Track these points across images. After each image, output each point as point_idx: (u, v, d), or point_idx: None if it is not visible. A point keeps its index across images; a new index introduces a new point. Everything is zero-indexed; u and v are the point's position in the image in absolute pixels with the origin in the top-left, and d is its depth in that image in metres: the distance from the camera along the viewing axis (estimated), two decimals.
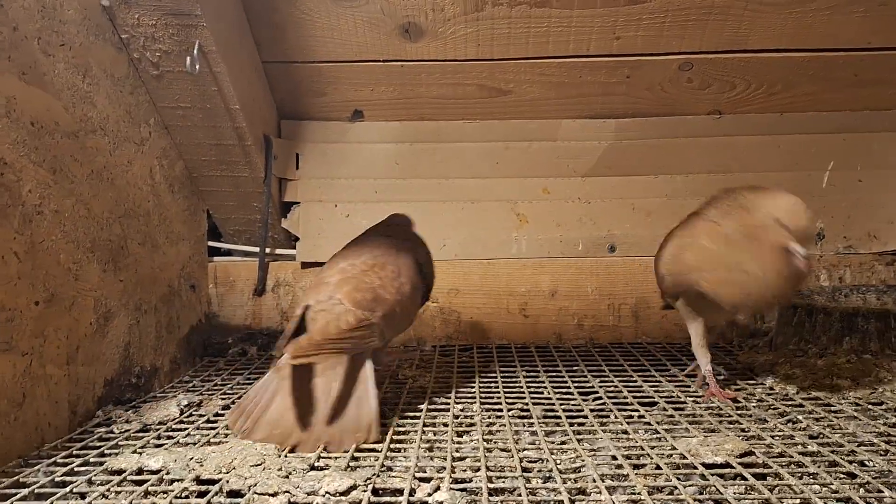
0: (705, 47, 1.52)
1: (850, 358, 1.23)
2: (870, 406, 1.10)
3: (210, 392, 1.28)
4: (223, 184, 1.55)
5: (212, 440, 0.99)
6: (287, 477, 0.81)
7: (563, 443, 0.98)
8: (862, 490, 0.79)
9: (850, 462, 0.86)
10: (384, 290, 1.10)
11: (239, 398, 1.21)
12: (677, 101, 1.65)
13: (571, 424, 1.06)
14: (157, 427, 1.06)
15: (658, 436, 0.99)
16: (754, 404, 1.14)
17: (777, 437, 0.96)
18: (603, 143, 1.71)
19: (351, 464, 0.89)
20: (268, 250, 1.67)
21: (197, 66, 1.24)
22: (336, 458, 0.91)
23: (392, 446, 0.97)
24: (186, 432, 1.03)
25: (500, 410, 1.13)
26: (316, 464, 0.88)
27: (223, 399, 1.21)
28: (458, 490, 0.79)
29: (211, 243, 1.69)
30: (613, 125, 1.70)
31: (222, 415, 1.13)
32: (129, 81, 1.28)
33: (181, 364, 1.46)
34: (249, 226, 1.65)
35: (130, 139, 1.29)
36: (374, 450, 0.94)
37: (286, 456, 0.90)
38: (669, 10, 1.45)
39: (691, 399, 1.18)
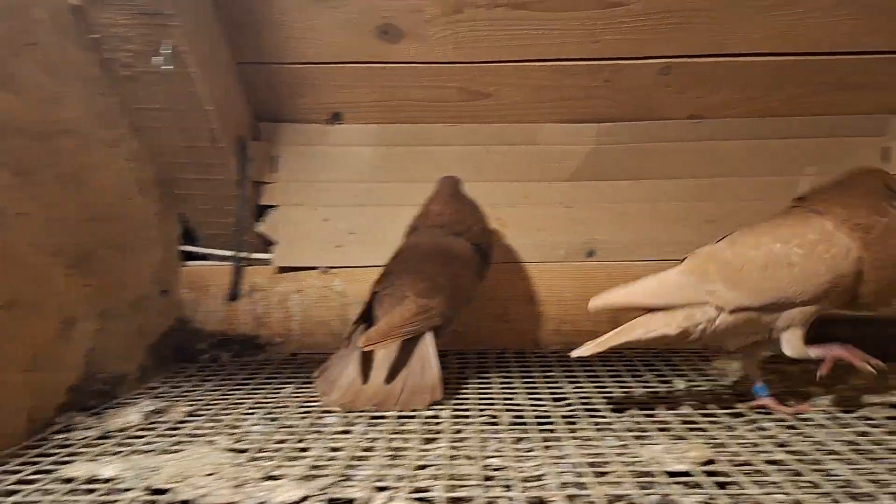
0: (685, 51, 1.51)
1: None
2: (840, 414, 1.09)
3: (177, 399, 1.26)
4: (197, 187, 1.53)
5: (170, 448, 0.97)
6: (240, 487, 0.80)
7: (529, 450, 0.96)
8: (823, 500, 0.77)
9: (815, 471, 0.85)
10: (441, 277, 1.31)
11: (206, 405, 1.20)
12: (658, 105, 1.63)
13: (540, 431, 1.05)
14: (117, 434, 1.04)
15: (625, 443, 0.98)
16: (724, 411, 1.12)
17: (743, 445, 0.95)
18: (584, 147, 1.69)
19: (311, 472, 0.87)
20: (243, 255, 1.65)
21: (168, 67, 1.23)
22: (294, 466, 0.89)
23: (357, 454, 0.95)
24: (146, 440, 1.01)
25: (469, 417, 1.11)
26: (273, 473, 0.86)
27: (188, 406, 1.19)
28: (415, 499, 0.78)
29: (185, 248, 1.67)
30: (594, 129, 1.69)
31: (187, 421, 1.12)
32: (101, 82, 1.27)
33: (151, 370, 1.44)
34: (225, 230, 1.64)
35: (101, 141, 1.27)
36: (335, 458, 0.93)
37: (244, 464, 0.88)
38: (650, 14, 1.43)
39: (661, 405, 1.16)
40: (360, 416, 1.12)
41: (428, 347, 1.24)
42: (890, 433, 1.00)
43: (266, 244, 1.67)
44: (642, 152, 1.69)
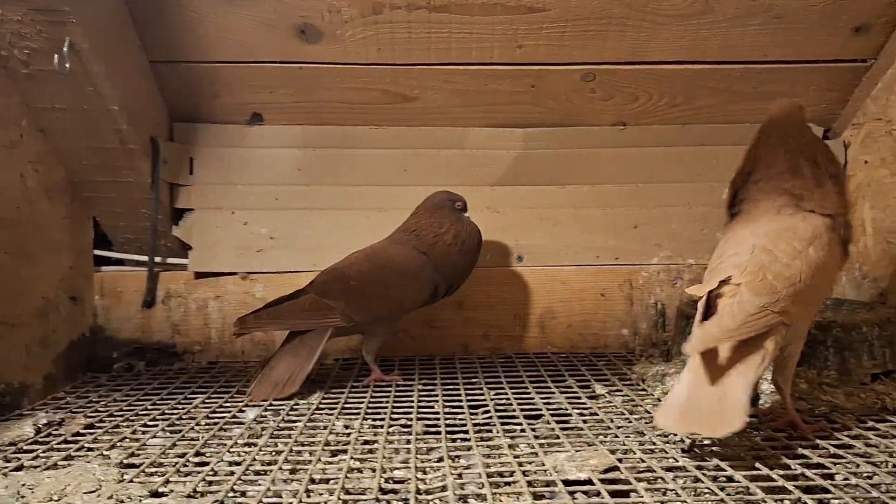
0: (606, 58, 1.51)
1: None
2: (750, 417, 1.09)
3: (79, 410, 1.21)
4: (108, 190, 1.48)
5: (58, 463, 0.92)
6: None
7: (438, 460, 0.94)
8: None
9: (715, 478, 0.85)
10: (359, 280, 1.38)
11: (109, 416, 1.15)
12: (582, 112, 1.64)
13: (453, 440, 1.03)
14: (6, 448, 0.99)
15: (533, 451, 0.97)
16: (637, 416, 1.12)
17: (649, 452, 0.95)
18: (511, 152, 1.69)
19: (201, 489, 0.84)
20: (159, 260, 1.60)
21: (67, 65, 1.18)
22: (183, 482, 0.85)
23: (256, 468, 0.92)
24: (35, 454, 0.97)
25: (382, 427, 1.09)
26: (159, 489, 0.82)
27: (88, 418, 1.15)
28: None
29: (100, 252, 1.61)
30: (521, 134, 1.68)
31: (83, 434, 1.07)
32: None
33: (58, 381, 1.38)
34: (140, 234, 1.58)
35: None
36: (233, 472, 0.89)
37: (129, 481, 0.84)
38: (569, 20, 1.43)
39: (577, 411, 1.15)
40: (268, 427, 1.09)
41: (312, 346, 1.31)
42: (791, 437, 1.01)
43: (184, 249, 1.62)
44: (568, 158, 1.69)
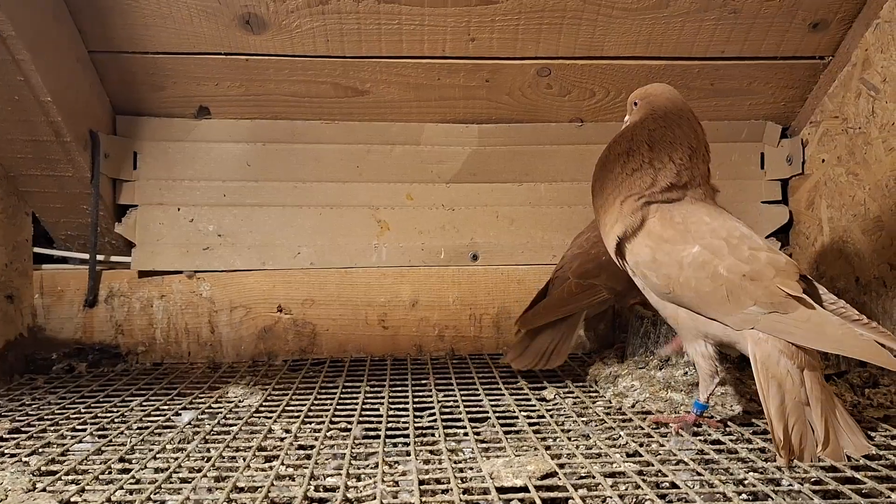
0: (562, 53, 1.48)
1: (688, 370, 1.20)
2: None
3: (9, 413, 1.16)
4: (46, 184, 1.43)
5: None
6: None
7: (374, 466, 0.91)
8: None
9: (657, 484, 0.82)
10: None
11: (37, 420, 1.10)
12: (539, 108, 1.61)
13: (394, 445, 1.00)
14: None
15: (473, 456, 0.93)
16: (585, 420, 1.09)
17: (591, 456, 0.92)
18: (467, 148, 1.65)
19: (115, 497, 0.79)
20: (102, 258, 1.55)
21: None
22: (100, 491, 0.81)
23: (182, 475, 0.87)
24: None
25: (321, 431, 1.05)
26: (71, 499, 0.78)
27: (15, 422, 1.09)
28: None
29: (40, 250, 1.55)
30: (476, 130, 1.65)
31: (5, 440, 1.02)
32: None
33: None
34: (83, 230, 1.53)
35: None
36: (155, 480, 0.85)
37: (41, 490, 0.80)
38: (522, 13, 1.40)
39: (524, 414, 1.12)
40: (200, 432, 1.05)
41: (571, 323, 1.39)
42: (738, 440, 0.99)
43: (128, 246, 1.57)
44: (525, 155, 1.66)
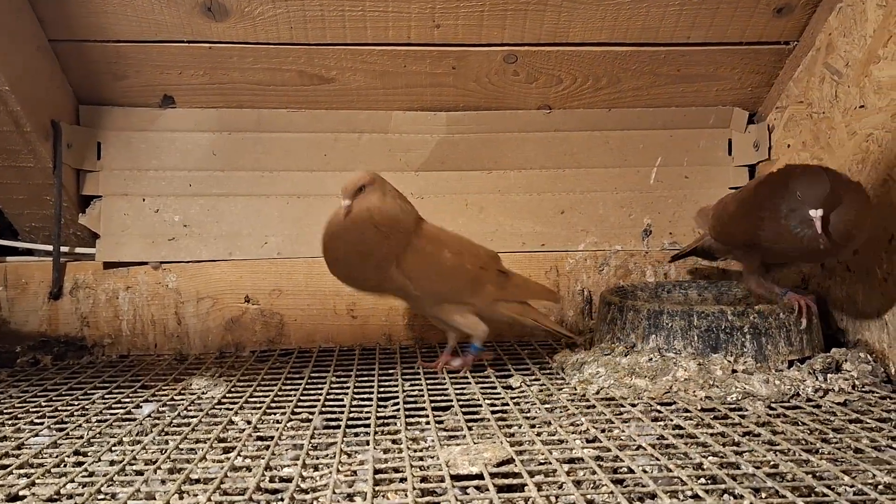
0: (528, 39, 1.47)
1: (653, 356, 1.21)
2: (658, 407, 1.07)
3: None
4: (7, 175, 1.41)
5: None
6: None
7: (332, 456, 0.90)
8: (605, 498, 0.74)
9: (613, 470, 0.82)
10: None
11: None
12: (506, 95, 1.60)
13: (355, 434, 1.00)
14: None
15: (430, 445, 0.93)
16: (548, 407, 1.09)
17: (550, 443, 0.92)
18: (435, 136, 1.65)
19: (65, 490, 0.79)
20: (66, 249, 1.53)
21: None
22: (51, 484, 0.80)
23: (136, 468, 0.87)
24: None
25: (281, 422, 1.04)
26: (19, 493, 0.77)
27: None
28: None
29: (6, 242, 1.53)
30: (444, 118, 1.64)
31: None
32: None
33: None
34: (46, 222, 1.51)
35: None
36: (107, 473, 0.84)
37: None
38: None
39: (488, 402, 1.12)
40: (159, 424, 1.04)
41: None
42: (698, 425, 0.99)
43: (93, 238, 1.55)
44: (494, 142, 1.66)
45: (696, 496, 0.75)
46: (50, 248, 1.53)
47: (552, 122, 1.65)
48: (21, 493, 0.77)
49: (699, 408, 1.07)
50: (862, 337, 1.32)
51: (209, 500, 0.75)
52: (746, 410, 1.06)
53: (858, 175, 1.31)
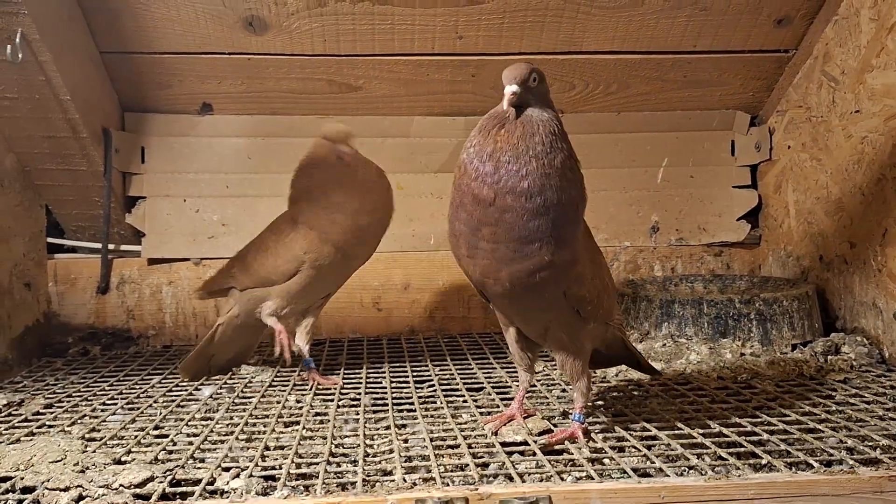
0: (544, 48, 1.58)
1: (666, 342, 1.31)
2: (676, 386, 1.18)
3: (38, 392, 1.24)
4: (60, 178, 1.51)
5: (21, 438, 0.96)
6: (83, 472, 0.80)
7: (385, 428, 1.01)
8: (639, 460, 0.85)
9: (641, 438, 0.93)
10: None
11: (67, 397, 1.19)
12: None
13: (400, 411, 1.10)
14: None
15: (475, 419, 1.04)
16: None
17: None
18: (453, 139, 1.75)
19: (162, 456, 0.89)
20: (112, 246, 1.63)
21: (20, 55, 1.20)
22: (144, 452, 0.90)
23: (214, 439, 0.97)
24: None
25: (332, 401, 1.15)
26: (121, 458, 0.87)
27: (47, 399, 1.18)
28: (259, 476, 0.81)
29: (53, 240, 1.63)
30: (463, 122, 1.74)
31: (43, 413, 1.11)
32: None
33: (14, 365, 1.40)
34: (93, 221, 1.61)
35: None
36: (191, 443, 0.94)
37: (93, 451, 0.89)
38: (507, 12, 1.50)
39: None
40: (223, 403, 1.14)
41: None
42: (714, 400, 1.10)
43: (137, 236, 1.65)
44: None
45: (720, 458, 0.86)
46: (94, 245, 1.64)
47: (565, 126, 1.75)
48: (123, 458, 0.87)
49: (713, 387, 1.17)
50: (858, 324, 1.43)
51: (292, 461, 0.85)
52: (756, 388, 1.17)
53: (855, 174, 1.43)
